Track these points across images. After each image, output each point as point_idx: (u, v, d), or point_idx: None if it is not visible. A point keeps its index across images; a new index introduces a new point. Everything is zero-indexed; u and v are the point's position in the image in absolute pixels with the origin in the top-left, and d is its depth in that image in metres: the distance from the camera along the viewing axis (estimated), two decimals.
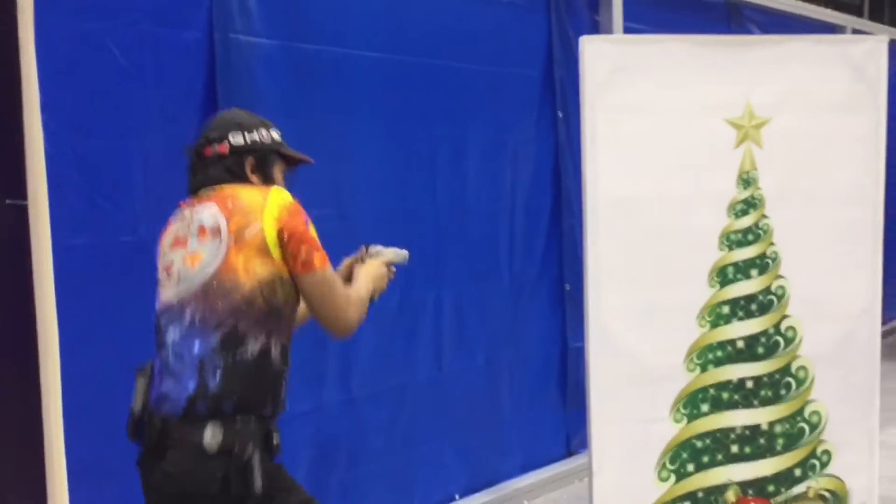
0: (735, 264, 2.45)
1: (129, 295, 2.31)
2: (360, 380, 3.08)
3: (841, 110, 2.47)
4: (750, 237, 2.45)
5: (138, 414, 1.76)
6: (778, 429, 2.54)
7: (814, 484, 2.59)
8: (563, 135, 3.89)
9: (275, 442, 1.73)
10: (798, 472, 2.59)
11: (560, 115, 3.87)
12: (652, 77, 2.41)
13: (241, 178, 1.81)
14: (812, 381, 2.54)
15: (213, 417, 1.65)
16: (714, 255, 2.45)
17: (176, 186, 1.92)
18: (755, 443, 2.54)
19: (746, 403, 2.50)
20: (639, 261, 2.46)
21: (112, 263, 2.38)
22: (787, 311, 2.50)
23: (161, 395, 1.71)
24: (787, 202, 2.46)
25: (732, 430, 2.50)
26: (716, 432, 2.50)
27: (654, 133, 2.41)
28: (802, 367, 2.51)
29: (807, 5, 5.67)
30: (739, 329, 2.46)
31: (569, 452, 4.07)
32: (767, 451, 2.55)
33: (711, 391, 2.47)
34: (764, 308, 2.48)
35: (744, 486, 2.54)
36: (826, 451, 2.58)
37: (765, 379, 2.51)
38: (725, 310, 2.45)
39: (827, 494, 2.60)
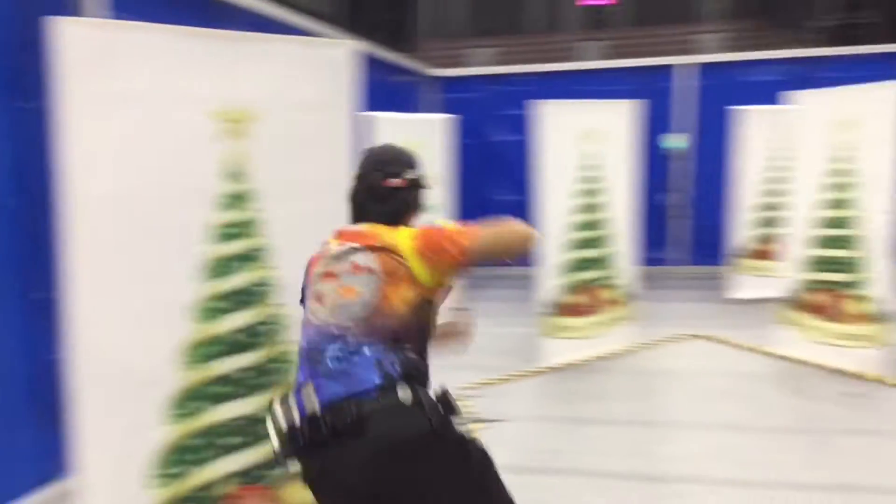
0: (226, 258, 2.53)
1: None
2: None
3: (319, 109, 2.72)
4: (240, 231, 2.55)
5: (292, 428, 1.98)
6: None
7: None
8: (29, 127, 3.53)
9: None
10: None
11: (27, 104, 3.51)
12: (136, 67, 2.34)
13: (409, 209, 2.26)
14: None
15: (397, 385, 1.99)
16: (205, 249, 2.49)
17: None
18: (250, 432, 2.64)
19: (241, 395, 2.60)
20: (124, 260, 2.37)
21: None
22: (279, 301, 2.67)
23: (333, 396, 1.99)
24: (274, 195, 2.62)
25: (228, 423, 2.58)
26: (211, 428, 2.55)
27: (138, 126, 2.35)
28: (293, 353, 2.72)
29: (285, 11, 6.12)
30: (233, 322, 2.55)
31: (50, 478, 3.71)
32: (262, 439, 2.65)
33: (206, 388, 2.52)
34: (256, 299, 2.60)
35: (240, 476, 2.63)
36: None
37: (258, 369, 2.64)
38: (218, 304, 2.52)
39: None
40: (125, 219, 2.37)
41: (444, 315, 2.29)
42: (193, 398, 2.47)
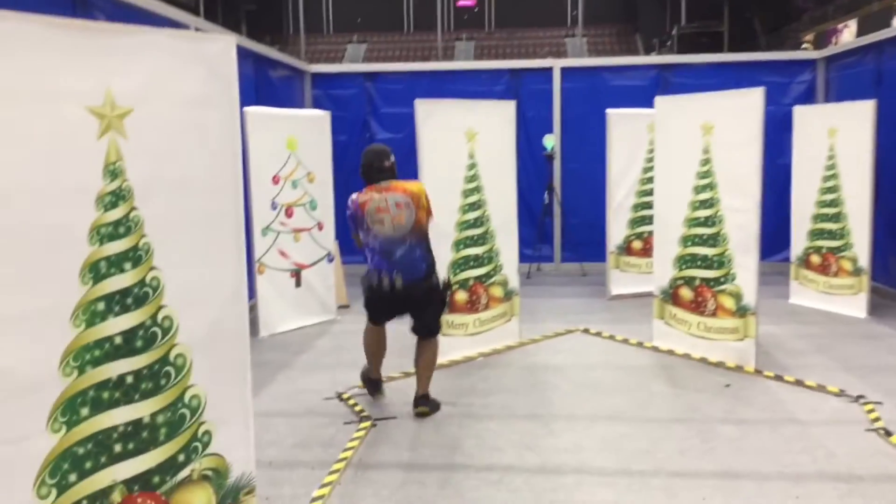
0: (107, 259, 2.33)
1: None
2: None
3: (200, 104, 2.55)
4: (121, 230, 2.35)
5: (378, 288, 4.48)
6: (160, 419, 2.52)
7: (197, 466, 2.66)
8: None
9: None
10: (182, 457, 2.61)
11: None
12: (2, 58, 2.12)
13: (394, 175, 4.53)
14: (190, 366, 2.58)
15: (433, 274, 4.53)
16: (84, 250, 2.29)
17: None
18: (138, 438, 2.48)
19: (128, 399, 2.42)
20: None
21: None
22: (163, 302, 2.48)
23: (409, 281, 4.44)
24: (155, 193, 2.43)
25: (115, 429, 2.39)
26: (98, 435, 2.36)
27: (6, 122, 2.13)
28: (181, 355, 2.54)
29: (152, 1, 5.78)
30: (117, 325, 2.36)
31: None
32: (151, 444, 2.52)
33: (91, 393, 2.32)
34: (140, 301, 2.42)
35: (129, 483, 2.46)
36: (207, 432, 2.67)
37: (145, 371, 2.46)
38: (101, 306, 2.32)
39: (210, 473, 2.70)
40: None
41: None
42: (79, 404, 2.28)
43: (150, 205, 2.42)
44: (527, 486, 3.71)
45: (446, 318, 5.66)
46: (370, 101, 9.91)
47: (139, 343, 2.43)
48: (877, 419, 4.42)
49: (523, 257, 7.40)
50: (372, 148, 4.63)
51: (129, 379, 2.42)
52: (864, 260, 6.89)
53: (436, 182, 5.56)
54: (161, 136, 2.46)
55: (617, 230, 8.02)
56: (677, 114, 5.90)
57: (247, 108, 6.49)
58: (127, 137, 2.36)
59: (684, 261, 5.88)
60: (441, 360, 5.49)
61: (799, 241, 7.43)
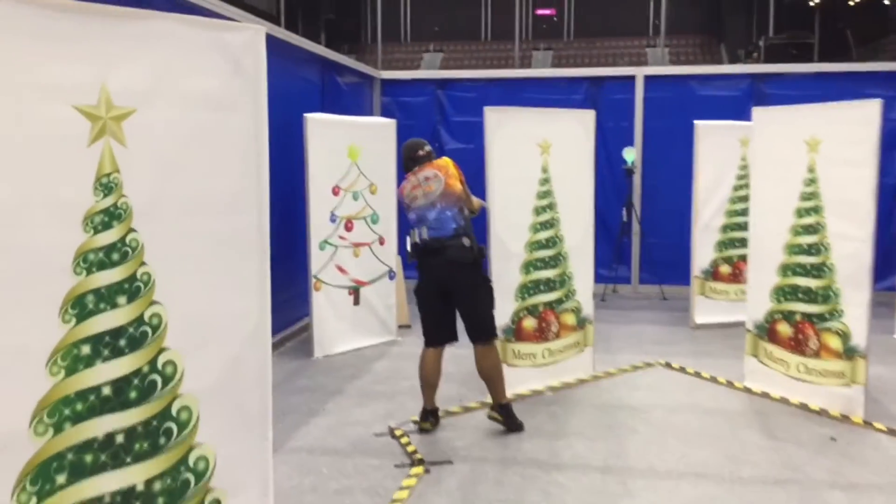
0: (97, 291, 1.92)
1: None
2: None
3: (218, 106, 2.13)
4: (115, 256, 1.93)
5: (414, 245, 4.56)
6: (158, 486, 2.08)
7: None
8: None
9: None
10: None
11: None
12: None
13: (431, 161, 4.74)
14: (197, 421, 2.15)
15: (464, 235, 4.49)
16: (68, 280, 1.87)
17: None
18: None
19: (117, 463, 1.99)
20: None
21: None
22: (166, 343, 2.06)
23: (435, 236, 4.48)
24: (159, 212, 2.01)
25: (100, 500, 1.97)
26: None
27: None
28: (186, 408, 2.10)
29: (229, 6, 5.46)
30: (105, 372, 1.94)
31: None
32: None
33: (70, 456, 1.90)
34: (136, 342, 1.99)
35: None
36: (216, 500, 2.23)
37: (139, 429, 2.03)
38: (86, 350, 1.90)
39: None
40: None
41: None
42: (55, 470, 1.86)
43: (153, 226, 1.99)
44: None
45: (512, 346, 5.17)
46: (440, 110, 9.48)
47: (133, 394, 1.99)
48: None
49: (598, 278, 6.80)
50: (407, 143, 4.88)
51: (120, 438, 1.99)
52: None
53: (505, 198, 5.10)
54: (170, 143, 2.04)
55: (703, 253, 7.36)
56: (778, 127, 5.25)
57: (307, 114, 6.14)
58: (126, 144, 1.94)
59: (783, 292, 5.22)
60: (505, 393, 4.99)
61: None
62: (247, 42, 2.20)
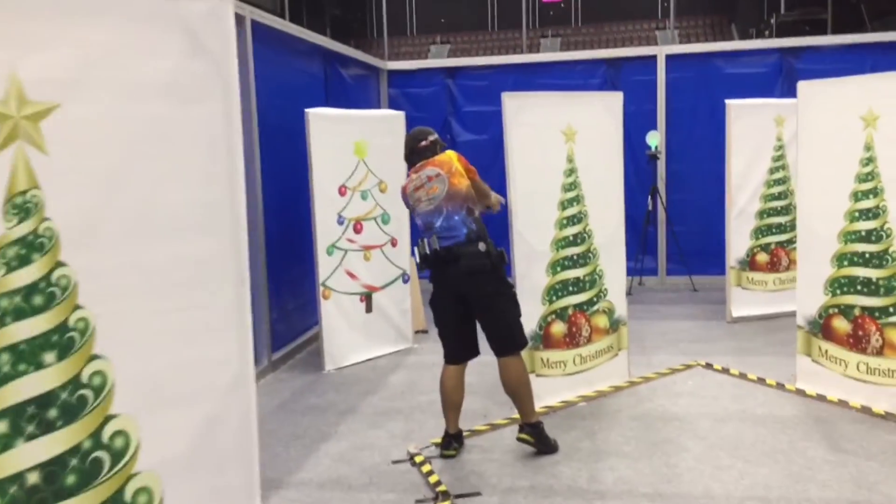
0: (13, 348, 1.44)
1: None
2: None
3: (174, 96, 1.66)
4: (37, 301, 1.47)
5: (424, 256, 4.03)
6: None
7: None
8: None
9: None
10: None
11: None
12: None
13: (436, 153, 4.15)
14: None
15: (479, 240, 3.97)
16: None
17: None
18: None
19: None
20: None
21: None
22: (113, 409, 1.60)
23: (447, 245, 3.97)
24: (98, 239, 1.55)
25: None
26: None
27: None
28: (144, 490, 1.64)
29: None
30: (31, 454, 1.48)
31: None
32: None
33: None
34: (72, 412, 1.54)
35: None
36: None
37: None
38: (2, 427, 1.45)
39: None
40: None
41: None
42: None
43: (89, 257, 1.54)
44: None
45: (540, 355, 4.70)
46: (451, 100, 9.00)
47: (71, 479, 1.55)
48: None
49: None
50: (409, 133, 4.40)
51: None
52: None
53: (528, 192, 4.62)
54: (109, 146, 1.58)
55: (738, 241, 6.84)
56: (828, 101, 4.73)
57: (308, 110, 5.67)
58: (47, 151, 1.48)
59: (839, 284, 4.71)
60: (535, 405, 4.51)
61: None
62: (208, 14, 1.72)
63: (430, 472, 3.88)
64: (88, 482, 1.56)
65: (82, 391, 1.53)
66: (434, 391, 4.31)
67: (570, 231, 4.81)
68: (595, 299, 4.96)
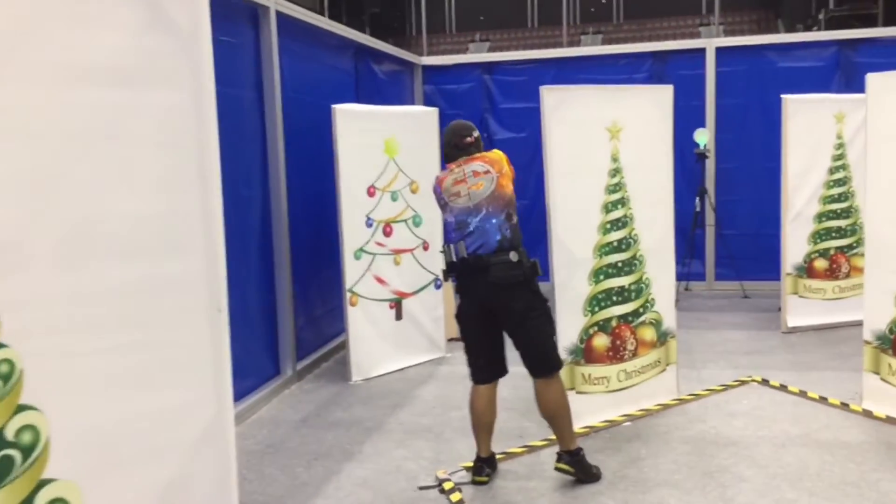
0: None
1: None
2: None
3: (126, 81, 1.34)
4: None
5: (451, 264, 3.67)
6: None
7: None
8: None
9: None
10: None
11: None
12: None
13: (479, 151, 3.82)
14: None
15: (511, 249, 3.59)
16: None
17: None
18: None
19: None
20: None
21: None
22: (48, 472, 1.28)
23: (476, 249, 3.60)
24: (23, 261, 1.23)
25: None
26: None
27: None
28: None
29: None
30: None
31: None
32: None
33: None
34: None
35: None
36: None
37: None
38: None
39: None
40: None
41: None
42: None
43: (13, 285, 1.21)
44: None
45: (581, 370, 4.34)
46: (488, 96, 8.65)
47: None
48: None
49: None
50: (451, 126, 4.00)
51: None
52: None
53: (568, 194, 4.26)
54: (39, 144, 1.25)
55: (795, 246, 6.38)
56: None
57: (335, 106, 5.37)
58: None
59: None
60: (575, 425, 4.13)
61: None
62: None
63: (461, 502, 3.54)
64: None
65: (7, 451, 1.21)
66: (466, 405, 3.98)
67: (615, 236, 4.43)
68: (641, 310, 4.58)
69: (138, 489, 1.39)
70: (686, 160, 7.87)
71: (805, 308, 6.39)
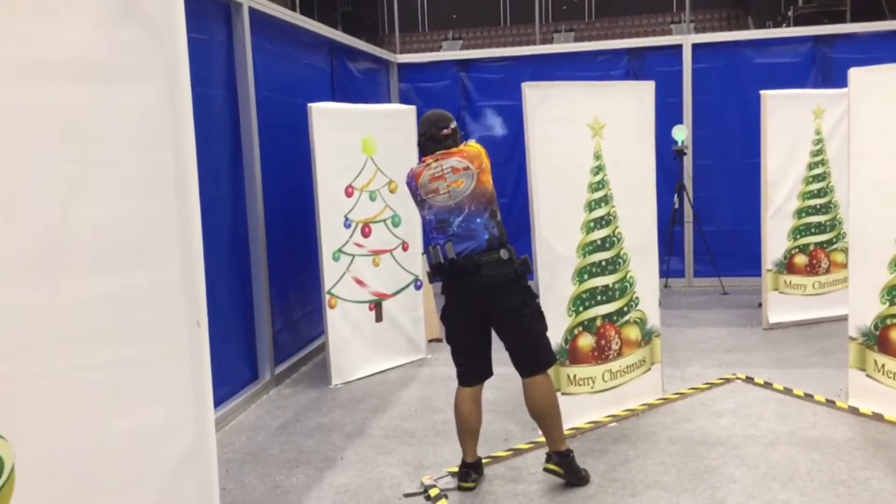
0: None
1: None
2: None
3: (92, 77, 1.23)
4: None
5: (438, 266, 3.54)
6: None
7: None
8: None
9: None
10: None
11: None
12: None
13: (456, 144, 3.69)
14: None
15: (500, 247, 3.51)
16: None
17: None
18: None
19: None
20: None
21: None
22: None
23: (463, 249, 3.49)
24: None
25: None
26: None
27: None
28: None
29: None
30: None
31: None
32: None
33: None
34: None
35: None
36: None
37: None
38: None
39: None
40: None
41: None
42: None
43: None
44: None
45: (566, 371, 4.27)
46: (465, 94, 8.56)
47: None
48: None
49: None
50: (427, 116, 3.83)
51: None
52: None
53: (551, 192, 4.18)
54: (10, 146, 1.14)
55: (775, 242, 6.36)
56: (886, 91, 4.27)
57: (311, 104, 5.25)
58: None
59: None
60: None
61: None
62: None
63: None
64: None
65: None
66: (450, 409, 3.90)
67: (598, 235, 4.37)
68: (626, 309, 4.52)
69: None
70: (664, 157, 7.83)
71: (785, 304, 6.38)
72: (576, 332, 4.33)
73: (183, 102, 1.35)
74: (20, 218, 1.16)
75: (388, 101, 8.33)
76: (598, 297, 4.39)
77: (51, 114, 1.20)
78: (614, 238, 4.43)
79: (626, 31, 26.40)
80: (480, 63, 8.67)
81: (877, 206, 4.30)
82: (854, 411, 4.41)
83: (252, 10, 5.19)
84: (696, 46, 8.04)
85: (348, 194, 5.41)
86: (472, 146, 3.69)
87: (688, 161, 7.95)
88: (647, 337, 4.66)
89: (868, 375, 4.44)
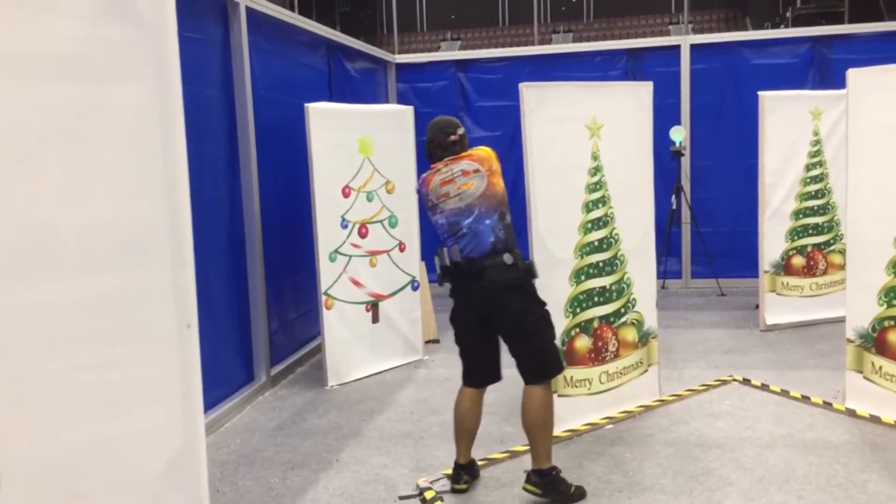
0: None
1: None
2: None
3: (82, 75, 1.22)
4: None
5: (445, 269, 3.54)
6: None
7: None
8: None
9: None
10: None
11: None
12: None
13: (464, 150, 3.67)
14: None
15: (505, 251, 3.46)
16: None
17: None
18: None
19: None
20: None
21: None
22: None
23: (470, 252, 3.47)
24: None
25: None
26: None
27: None
28: None
29: None
30: None
31: None
32: None
33: None
34: None
35: None
36: None
37: None
38: None
39: None
40: None
41: None
42: None
43: None
44: None
45: (563, 373, 4.23)
46: (463, 94, 8.54)
47: None
48: None
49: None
50: (434, 123, 3.81)
51: None
52: None
53: (548, 193, 4.17)
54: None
55: (772, 243, 6.35)
56: (885, 92, 4.26)
57: (308, 104, 5.23)
58: None
59: None
60: (557, 429, 4.03)
61: None
62: None
63: None
64: None
65: None
66: (447, 411, 3.89)
67: (596, 236, 4.35)
68: (623, 310, 4.51)
69: None
70: (662, 158, 7.82)
71: (783, 305, 6.37)
72: (573, 333, 4.31)
73: (174, 102, 1.33)
74: (9, 218, 1.14)
75: (386, 101, 8.32)
76: (596, 299, 4.38)
77: (40, 112, 1.18)
78: (612, 239, 4.41)
79: (625, 32, 26.43)
80: (479, 63, 8.65)
81: (875, 207, 4.29)
82: (851, 413, 4.40)
83: (249, 10, 5.17)
84: (694, 47, 8.03)
85: (345, 195, 5.39)
86: (482, 150, 3.68)
87: (685, 162, 7.93)
88: (644, 338, 4.64)
89: (865, 378, 4.43)
